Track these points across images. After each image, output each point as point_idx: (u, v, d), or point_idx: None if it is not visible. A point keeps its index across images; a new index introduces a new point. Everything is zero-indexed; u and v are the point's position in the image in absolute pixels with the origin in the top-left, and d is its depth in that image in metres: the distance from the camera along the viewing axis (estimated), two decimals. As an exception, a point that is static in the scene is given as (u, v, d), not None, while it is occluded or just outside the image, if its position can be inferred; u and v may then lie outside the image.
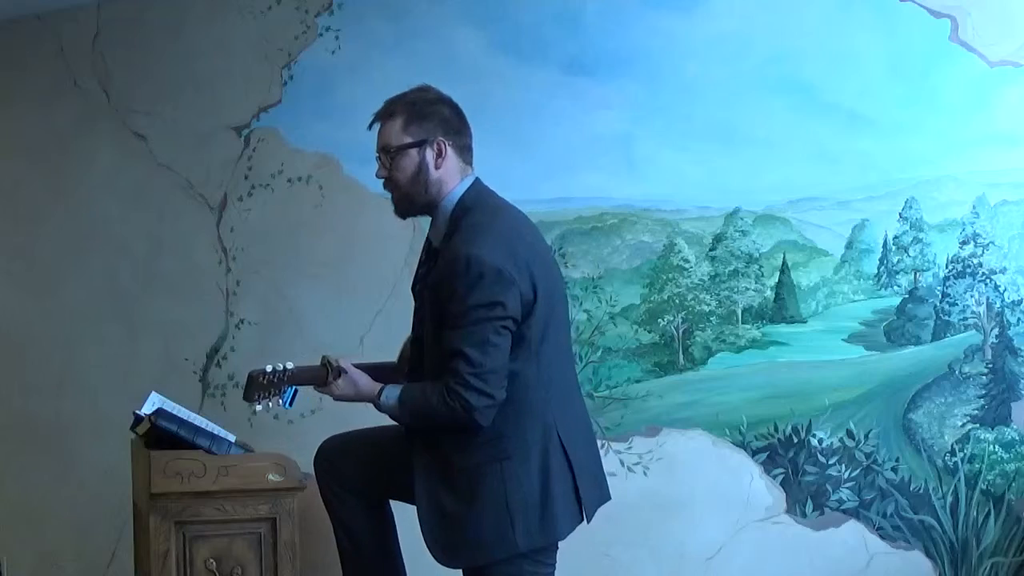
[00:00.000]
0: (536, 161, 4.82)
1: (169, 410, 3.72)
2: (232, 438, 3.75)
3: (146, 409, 3.74)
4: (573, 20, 4.82)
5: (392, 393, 3.25)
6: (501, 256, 3.11)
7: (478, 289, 3.08)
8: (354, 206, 4.91)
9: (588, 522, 3.32)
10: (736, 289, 4.78)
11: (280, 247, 4.99)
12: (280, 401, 3.35)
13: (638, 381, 4.79)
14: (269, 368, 3.32)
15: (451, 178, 3.28)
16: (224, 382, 4.99)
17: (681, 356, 4.79)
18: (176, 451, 3.61)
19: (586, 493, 3.29)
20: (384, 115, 3.30)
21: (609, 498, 3.43)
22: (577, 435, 3.32)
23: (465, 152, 3.32)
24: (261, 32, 5.00)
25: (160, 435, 3.64)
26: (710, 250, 4.79)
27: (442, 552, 3.24)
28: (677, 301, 4.80)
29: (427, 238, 3.40)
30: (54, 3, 5.06)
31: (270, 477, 3.63)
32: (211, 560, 3.62)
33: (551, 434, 3.24)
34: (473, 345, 3.09)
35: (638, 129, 4.78)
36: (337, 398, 3.35)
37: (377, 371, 3.43)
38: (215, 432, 3.73)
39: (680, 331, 4.80)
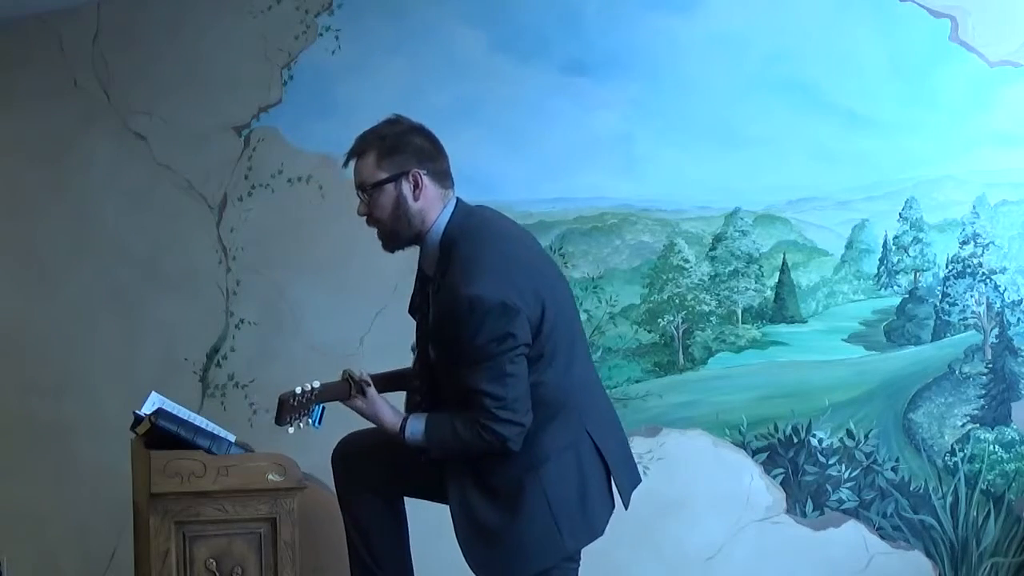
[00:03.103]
0: (536, 161, 4.82)
1: (169, 410, 3.71)
2: (232, 438, 3.75)
3: (146, 409, 3.73)
4: (573, 20, 4.82)
5: (416, 427, 3.25)
6: (501, 288, 3.10)
7: (486, 327, 3.07)
8: (354, 206, 4.88)
9: (626, 508, 3.35)
10: (736, 289, 4.78)
11: (280, 247, 4.99)
12: (310, 421, 3.36)
13: (638, 381, 4.79)
14: (298, 390, 3.32)
15: (432, 207, 3.25)
16: (224, 382, 4.99)
17: (681, 356, 4.79)
18: (176, 451, 3.60)
19: (620, 480, 3.32)
20: (357, 152, 3.28)
21: (640, 480, 3.45)
22: (604, 425, 3.33)
23: (443, 178, 3.28)
24: (261, 32, 5.00)
25: (160, 435, 3.64)
26: (710, 250, 4.79)
27: (486, 570, 3.24)
28: (677, 301, 4.80)
29: (419, 266, 3.38)
30: (54, 3, 5.06)
31: (270, 477, 3.62)
32: (211, 560, 3.62)
33: (580, 430, 3.25)
34: (492, 380, 3.10)
35: (638, 129, 4.78)
36: (359, 412, 3.36)
37: (396, 380, 3.45)
38: (215, 432, 3.72)
39: (680, 331, 4.80)
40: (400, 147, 3.24)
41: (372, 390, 3.33)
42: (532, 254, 3.31)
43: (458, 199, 3.31)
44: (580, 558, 3.35)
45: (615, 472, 3.30)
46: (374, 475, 3.46)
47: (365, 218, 3.31)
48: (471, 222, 3.25)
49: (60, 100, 5.13)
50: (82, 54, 5.11)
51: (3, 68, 5.19)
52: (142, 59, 5.07)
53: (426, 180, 3.23)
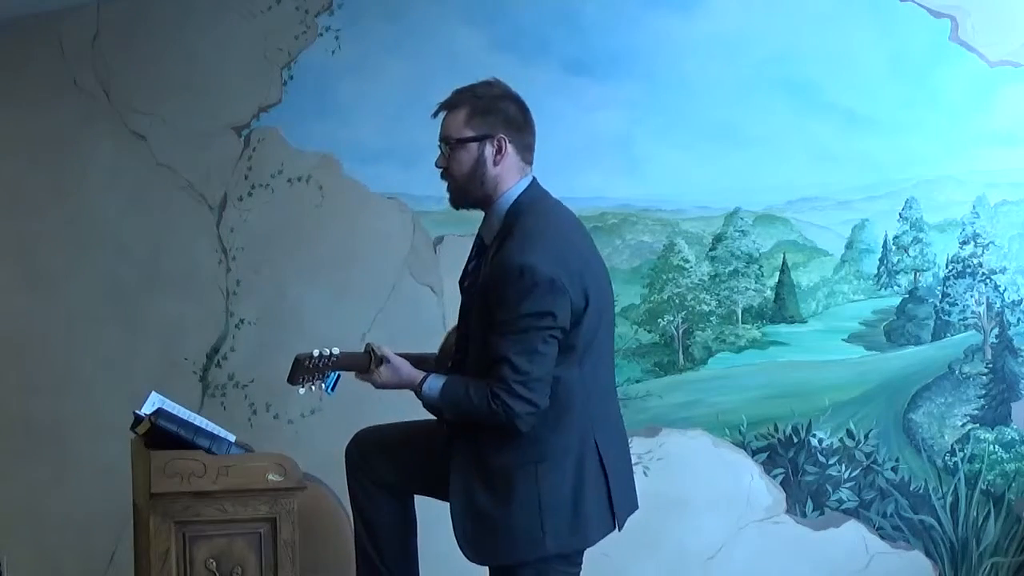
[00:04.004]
0: (536, 161, 4.79)
1: (169, 410, 3.71)
2: (232, 438, 3.75)
3: (146, 409, 3.73)
4: (573, 20, 4.82)
5: (435, 384, 3.23)
6: (554, 266, 3.09)
7: (530, 298, 3.06)
8: (354, 206, 4.90)
9: (619, 530, 3.30)
10: (736, 289, 4.79)
11: (280, 247, 4.99)
12: (323, 385, 3.34)
13: (638, 381, 4.79)
14: (316, 352, 3.30)
15: (509, 176, 3.26)
16: (224, 382, 4.99)
17: (681, 356, 4.79)
18: (176, 451, 3.60)
19: (619, 501, 3.27)
20: (449, 105, 3.28)
21: (637, 507, 3.40)
22: (613, 441, 3.31)
23: (526, 151, 3.30)
24: (261, 32, 5.00)
25: (160, 435, 3.64)
26: (710, 250, 4.79)
27: (472, 549, 3.23)
28: (677, 301, 4.80)
29: (478, 234, 3.37)
30: (54, 3, 5.06)
31: (270, 477, 3.62)
32: (211, 560, 3.61)
33: (588, 439, 3.22)
34: (520, 353, 3.08)
35: (638, 129, 4.79)
36: (379, 386, 3.33)
37: (419, 362, 3.41)
38: (215, 432, 3.72)
39: (680, 331, 4.80)
40: (492, 110, 3.25)
41: (393, 357, 3.31)
42: (591, 253, 3.31)
43: (534, 179, 3.31)
44: (581, 562, 3.34)
45: (614, 491, 3.25)
46: (388, 472, 3.45)
47: (440, 171, 3.29)
48: (541, 204, 3.26)
49: (60, 100, 5.13)
50: (82, 54, 5.11)
51: (3, 68, 5.18)
52: (142, 59, 5.07)
53: (510, 148, 3.25)
